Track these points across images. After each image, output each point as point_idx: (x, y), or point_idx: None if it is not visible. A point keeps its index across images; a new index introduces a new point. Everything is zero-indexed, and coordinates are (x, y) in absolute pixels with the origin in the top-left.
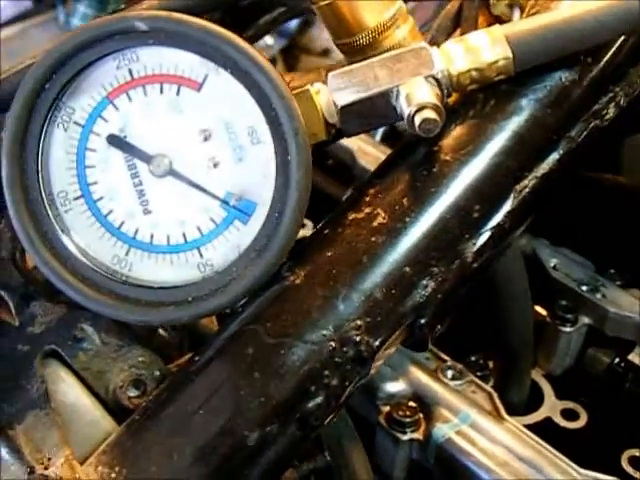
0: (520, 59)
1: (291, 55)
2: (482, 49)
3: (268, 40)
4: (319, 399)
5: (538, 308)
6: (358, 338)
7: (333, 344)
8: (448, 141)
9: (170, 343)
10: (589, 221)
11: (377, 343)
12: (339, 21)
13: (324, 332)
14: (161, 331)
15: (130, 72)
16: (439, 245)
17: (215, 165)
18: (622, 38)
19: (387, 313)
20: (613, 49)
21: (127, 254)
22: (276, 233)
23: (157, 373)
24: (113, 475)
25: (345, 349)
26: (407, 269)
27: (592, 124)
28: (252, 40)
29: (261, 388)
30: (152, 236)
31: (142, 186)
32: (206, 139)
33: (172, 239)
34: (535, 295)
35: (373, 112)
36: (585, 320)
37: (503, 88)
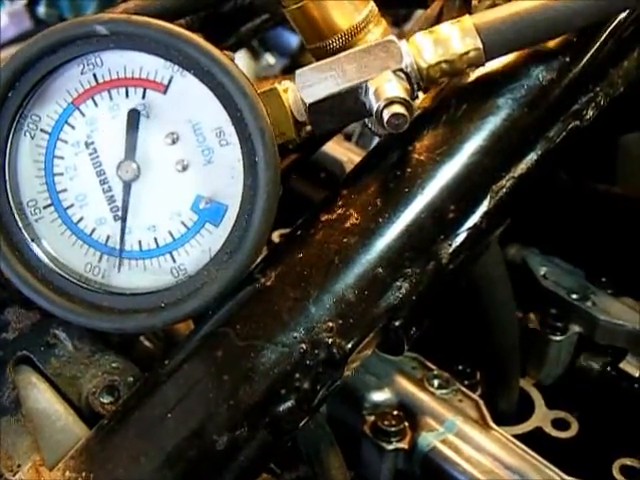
0: (491, 48)
1: None
2: (452, 40)
3: (270, 60)
4: (290, 403)
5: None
6: (330, 340)
7: (304, 346)
8: (423, 141)
9: (153, 353)
10: (580, 229)
11: (350, 345)
12: (310, 24)
13: (295, 334)
14: (145, 341)
15: (95, 77)
16: (413, 246)
17: (184, 168)
18: (602, 38)
19: (360, 315)
20: (593, 48)
21: (99, 261)
22: (246, 234)
23: (131, 379)
24: None
25: (316, 351)
26: (380, 270)
27: (571, 124)
28: (234, 48)
29: (230, 391)
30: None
31: (112, 192)
32: (174, 142)
33: (144, 244)
34: (525, 304)
35: (343, 108)
36: (575, 328)
37: (480, 87)
